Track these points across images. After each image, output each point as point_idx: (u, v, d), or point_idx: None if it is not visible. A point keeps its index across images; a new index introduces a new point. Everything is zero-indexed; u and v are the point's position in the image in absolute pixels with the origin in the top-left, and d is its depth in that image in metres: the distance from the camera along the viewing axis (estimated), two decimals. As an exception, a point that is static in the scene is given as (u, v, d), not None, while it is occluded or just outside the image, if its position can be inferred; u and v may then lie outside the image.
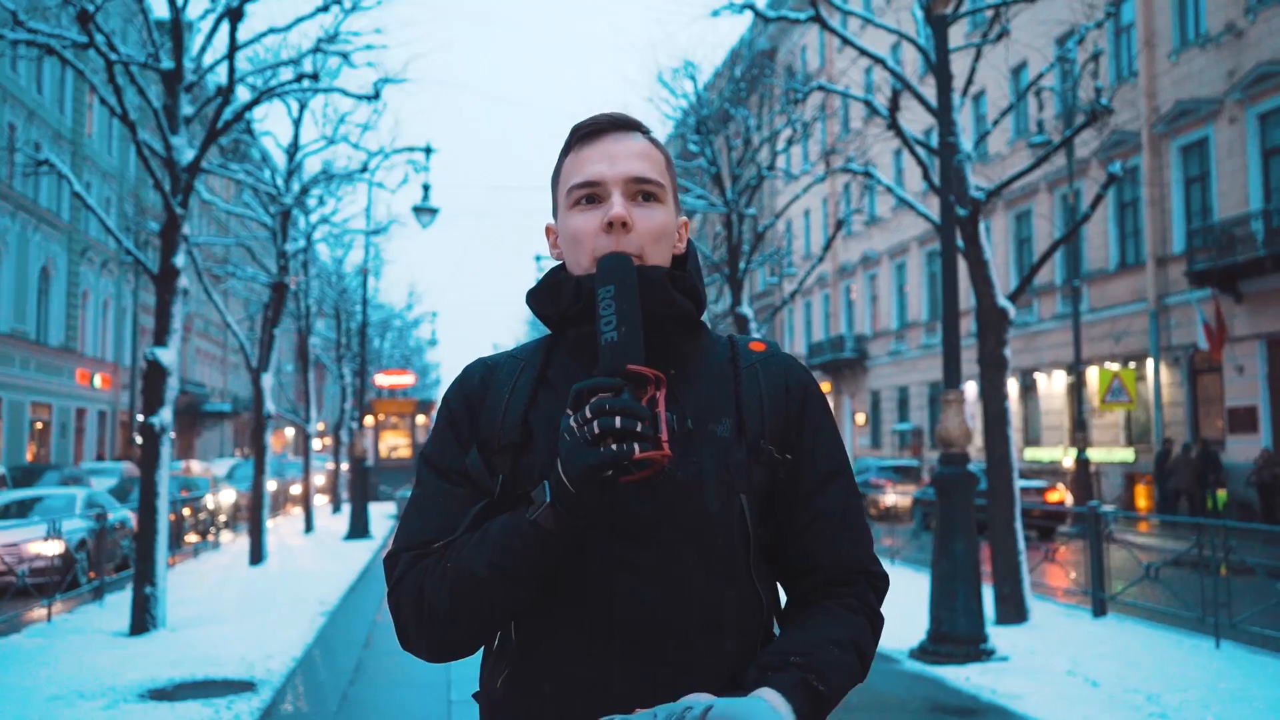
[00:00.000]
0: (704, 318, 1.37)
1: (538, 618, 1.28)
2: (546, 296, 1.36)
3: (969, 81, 9.86)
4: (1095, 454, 22.86)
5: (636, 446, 1.12)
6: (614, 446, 1.12)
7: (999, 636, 7.97)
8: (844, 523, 1.35)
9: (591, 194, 1.33)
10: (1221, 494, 18.89)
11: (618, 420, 1.12)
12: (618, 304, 1.20)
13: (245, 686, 6.85)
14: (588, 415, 1.14)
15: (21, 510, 12.86)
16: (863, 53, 9.91)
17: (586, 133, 1.36)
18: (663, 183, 1.35)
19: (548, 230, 1.42)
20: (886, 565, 12.63)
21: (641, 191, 1.33)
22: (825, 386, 39.97)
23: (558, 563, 1.22)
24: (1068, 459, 23.75)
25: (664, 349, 1.30)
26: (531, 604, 1.26)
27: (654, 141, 1.38)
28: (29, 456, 27.66)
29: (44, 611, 9.61)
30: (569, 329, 1.35)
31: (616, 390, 1.14)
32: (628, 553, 1.24)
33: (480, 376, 1.39)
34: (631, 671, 1.23)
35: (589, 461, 1.13)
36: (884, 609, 1.39)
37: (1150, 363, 22.05)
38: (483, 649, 1.35)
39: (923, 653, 7.64)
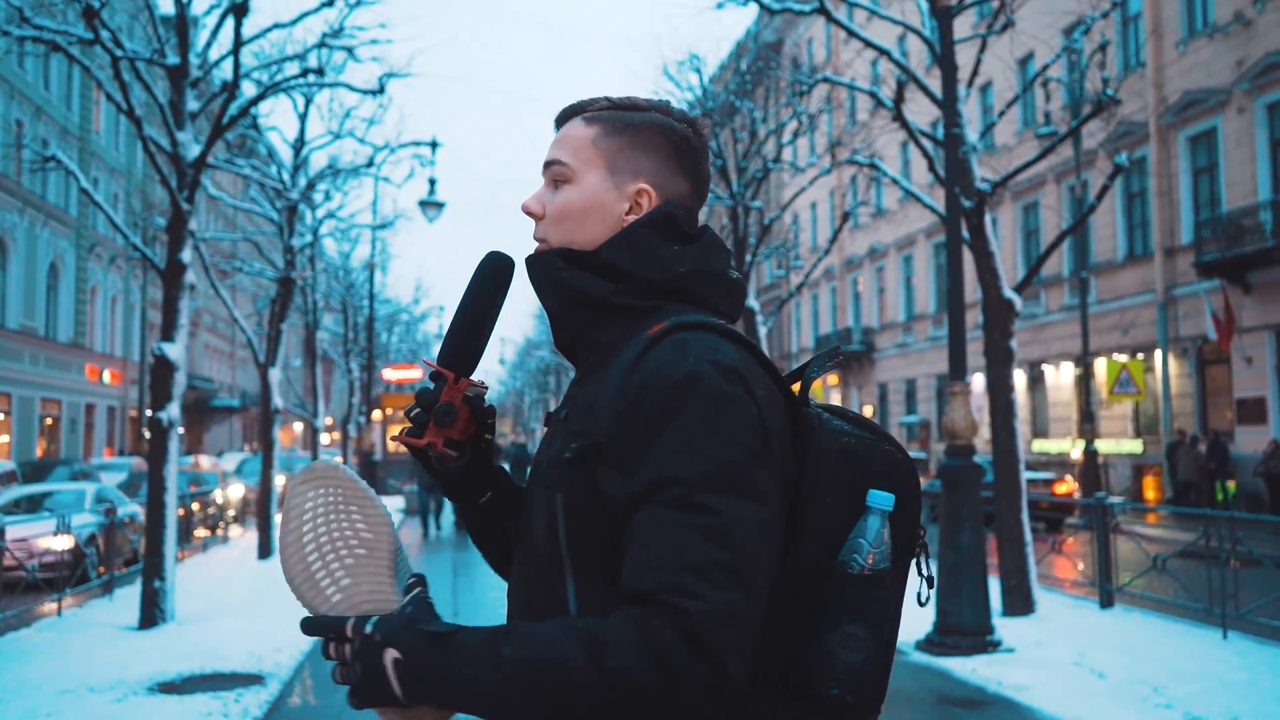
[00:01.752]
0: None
1: None
2: None
3: (974, 73, 9.82)
4: (1103, 445, 22.81)
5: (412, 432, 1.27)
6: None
7: (1005, 628, 7.97)
8: (648, 540, 1.05)
9: None
10: (1230, 485, 18.85)
11: (413, 409, 1.28)
12: (461, 303, 1.29)
13: (253, 680, 6.89)
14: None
15: (31, 505, 12.92)
16: (868, 45, 9.87)
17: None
18: (568, 162, 1.27)
19: None
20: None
21: (554, 177, 1.29)
22: (833, 379, 39.89)
23: (471, 527, 1.40)
24: (1075, 450, 23.72)
25: (577, 336, 1.27)
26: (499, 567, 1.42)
27: (590, 117, 1.30)
28: (39, 452, 27.79)
29: (54, 605, 9.67)
30: None
31: (435, 381, 1.27)
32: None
33: None
34: None
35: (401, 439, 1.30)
36: None
37: (1158, 354, 21.98)
38: None
39: (929, 644, 7.65)
